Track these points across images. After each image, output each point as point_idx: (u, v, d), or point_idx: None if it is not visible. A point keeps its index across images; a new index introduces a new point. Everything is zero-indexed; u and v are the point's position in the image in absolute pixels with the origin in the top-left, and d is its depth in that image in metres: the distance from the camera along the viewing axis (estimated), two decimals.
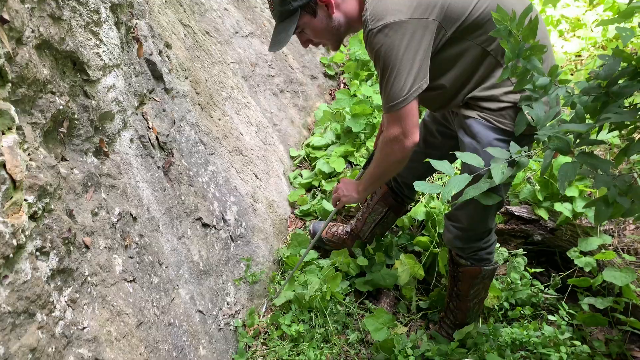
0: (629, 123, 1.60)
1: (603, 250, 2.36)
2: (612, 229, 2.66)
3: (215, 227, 2.31)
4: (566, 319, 2.27)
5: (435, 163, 1.47)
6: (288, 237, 2.85)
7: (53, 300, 1.18)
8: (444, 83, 1.73)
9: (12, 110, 1.11)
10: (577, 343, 2.18)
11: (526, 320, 2.35)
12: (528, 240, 2.59)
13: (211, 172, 2.43)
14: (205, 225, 2.24)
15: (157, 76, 2.14)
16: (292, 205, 3.05)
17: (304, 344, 2.18)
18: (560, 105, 1.86)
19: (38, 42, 1.25)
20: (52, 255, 1.20)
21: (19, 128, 1.13)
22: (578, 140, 1.57)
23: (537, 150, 1.78)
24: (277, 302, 2.40)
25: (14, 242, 1.03)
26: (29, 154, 1.15)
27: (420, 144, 1.79)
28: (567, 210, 2.41)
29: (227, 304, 2.24)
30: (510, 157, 1.52)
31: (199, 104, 2.53)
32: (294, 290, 2.40)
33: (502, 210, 2.56)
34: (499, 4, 1.48)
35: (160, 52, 2.20)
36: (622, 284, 2.19)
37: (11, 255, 1.02)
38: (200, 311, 2.01)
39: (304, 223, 2.96)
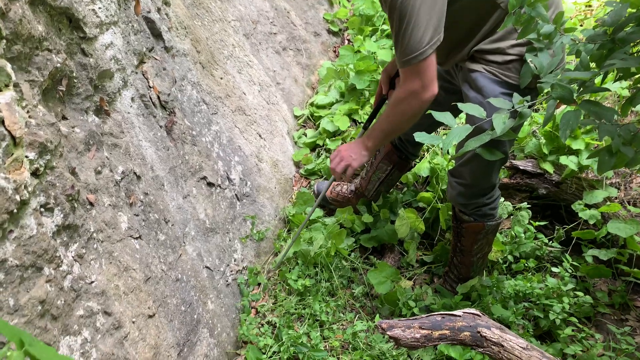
0: (635, 70, 1.57)
1: (608, 203, 2.35)
2: (618, 182, 2.64)
3: (220, 187, 2.32)
4: (570, 270, 2.29)
5: (437, 114, 1.45)
6: (293, 195, 2.87)
7: (60, 255, 1.21)
8: (452, 35, 1.70)
9: (8, 67, 1.11)
10: (580, 294, 2.21)
11: (530, 273, 2.37)
12: (533, 194, 2.59)
13: (214, 132, 2.42)
14: (210, 184, 2.25)
15: (157, 34, 2.11)
16: (297, 164, 3.05)
17: (310, 297, 2.22)
18: (565, 54, 1.82)
19: None
20: (57, 212, 1.22)
21: (16, 85, 1.12)
22: (582, 89, 1.54)
23: (542, 100, 1.75)
24: (278, 260, 2.43)
25: (17, 197, 1.05)
26: (27, 112, 1.15)
27: None
28: (573, 164, 2.40)
29: (235, 261, 2.28)
30: (513, 107, 1.50)
31: (200, 63, 2.51)
32: (300, 249, 2.43)
33: (507, 164, 2.55)
34: None
35: (158, 10, 2.17)
36: (627, 235, 2.20)
37: (15, 210, 1.04)
38: (207, 267, 2.05)
39: (309, 182, 2.97)
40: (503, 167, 2.55)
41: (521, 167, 2.50)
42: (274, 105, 3.13)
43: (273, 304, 2.24)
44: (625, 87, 2.66)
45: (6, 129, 1.03)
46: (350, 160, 1.95)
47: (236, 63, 2.92)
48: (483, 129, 1.59)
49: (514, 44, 1.64)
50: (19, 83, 1.14)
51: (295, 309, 2.19)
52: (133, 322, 1.46)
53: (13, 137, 1.05)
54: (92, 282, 1.32)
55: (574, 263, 2.32)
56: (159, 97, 2.01)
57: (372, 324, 2.14)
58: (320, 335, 2.09)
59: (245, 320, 2.14)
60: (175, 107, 2.12)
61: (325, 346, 2.07)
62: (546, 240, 2.43)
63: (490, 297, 2.20)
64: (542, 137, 2.50)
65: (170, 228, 1.85)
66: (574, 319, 2.14)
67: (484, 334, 1.39)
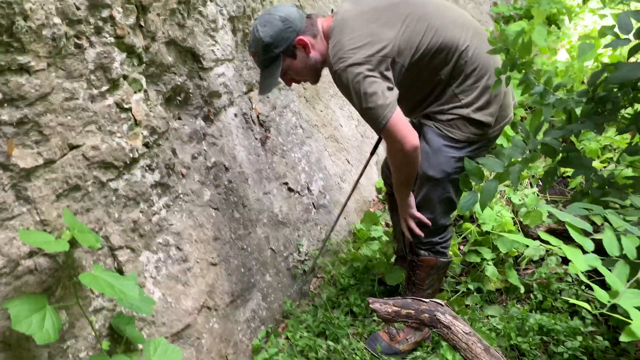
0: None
1: None
2: None
3: (299, 193, 2.92)
4: (594, 314, 2.39)
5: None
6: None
7: (153, 200, 1.89)
8: (407, 103, 2.09)
9: (143, 80, 1.85)
10: (599, 338, 2.30)
11: (559, 312, 2.51)
12: None
13: (305, 151, 3.05)
14: (290, 189, 2.86)
15: None
16: (378, 190, 3.53)
17: (350, 292, 2.67)
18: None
19: (166, 40, 1.99)
20: (157, 173, 1.91)
21: (145, 91, 1.86)
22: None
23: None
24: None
25: (131, 155, 1.75)
26: (150, 108, 1.87)
27: None
28: None
29: (299, 253, 2.83)
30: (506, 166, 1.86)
31: (304, 97, 3.18)
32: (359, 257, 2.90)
33: None
34: (442, 33, 1.94)
35: None
36: None
37: (128, 162, 1.74)
38: (272, 249, 2.63)
39: (384, 206, 3.42)
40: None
41: None
42: (368, 139, 3.67)
43: (318, 286, 2.74)
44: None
45: (132, 114, 1.75)
46: (405, 216, 2.27)
47: (339, 101, 3.54)
48: (431, 178, 2.12)
49: (454, 106, 2.02)
50: (147, 90, 1.88)
51: (336, 299, 2.65)
52: (197, 262, 2.10)
53: (135, 120, 1.77)
54: (172, 224, 1.99)
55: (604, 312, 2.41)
56: (258, 117, 2.70)
57: None
58: (350, 322, 2.52)
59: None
60: (272, 127, 2.80)
61: (352, 331, 2.49)
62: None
63: (511, 325, 2.42)
64: None
65: (245, 211, 2.49)
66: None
67: (439, 318, 1.74)
